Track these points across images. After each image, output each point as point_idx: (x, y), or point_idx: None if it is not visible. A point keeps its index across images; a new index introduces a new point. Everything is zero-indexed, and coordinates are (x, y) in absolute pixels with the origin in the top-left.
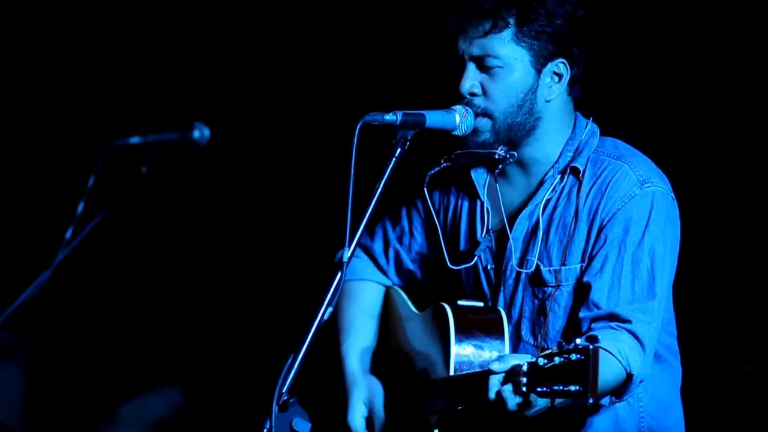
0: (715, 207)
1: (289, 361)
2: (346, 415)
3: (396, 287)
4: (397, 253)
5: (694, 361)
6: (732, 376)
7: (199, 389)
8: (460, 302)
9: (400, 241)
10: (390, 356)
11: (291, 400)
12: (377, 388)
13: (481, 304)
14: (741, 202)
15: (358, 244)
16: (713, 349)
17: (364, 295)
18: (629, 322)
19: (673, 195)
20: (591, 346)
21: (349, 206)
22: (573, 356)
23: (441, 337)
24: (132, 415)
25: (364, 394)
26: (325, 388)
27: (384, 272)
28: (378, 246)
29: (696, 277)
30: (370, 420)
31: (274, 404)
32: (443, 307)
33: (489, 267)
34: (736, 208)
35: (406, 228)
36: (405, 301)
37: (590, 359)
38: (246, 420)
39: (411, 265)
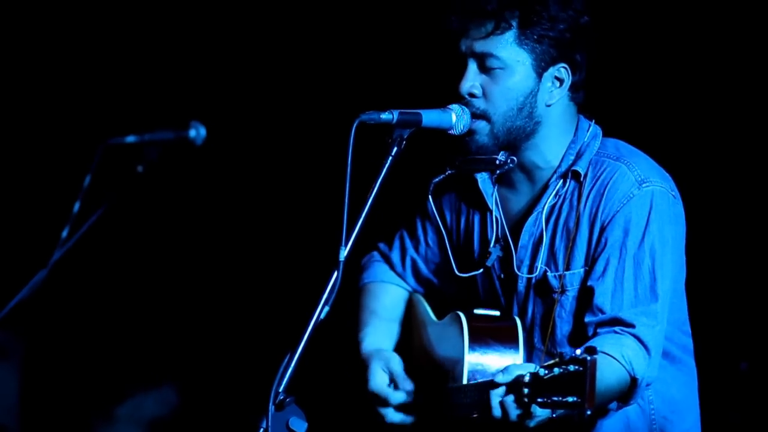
0: (713, 207)
1: (286, 360)
2: (366, 387)
3: (418, 294)
4: (414, 262)
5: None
6: (728, 374)
7: (195, 388)
8: (476, 311)
9: (416, 249)
10: (411, 362)
11: (288, 399)
12: (394, 356)
13: (497, 312)
14: (740, 202)
15: (378, 251)
16: (709, 347)
17: (385, 295)
18: (633, 326)
19: (674, 193)
20: (588, 358)
21: (346, 205)
22: (571, 367)
23: (456, 346)
24: (128, 414)
25: (381, 363)
26: (322, 388)
27: (403, 279)
28: (395, 254)
29: (692, 276)
30: (393, 382)
31: (270, 403)
32: (459, 315)
33: (502, 275)
34: (734, 208)
35: (421, 237)
36: (426, 308)
37: (587, 371)
38: (243, 419)
39: (428, 274)
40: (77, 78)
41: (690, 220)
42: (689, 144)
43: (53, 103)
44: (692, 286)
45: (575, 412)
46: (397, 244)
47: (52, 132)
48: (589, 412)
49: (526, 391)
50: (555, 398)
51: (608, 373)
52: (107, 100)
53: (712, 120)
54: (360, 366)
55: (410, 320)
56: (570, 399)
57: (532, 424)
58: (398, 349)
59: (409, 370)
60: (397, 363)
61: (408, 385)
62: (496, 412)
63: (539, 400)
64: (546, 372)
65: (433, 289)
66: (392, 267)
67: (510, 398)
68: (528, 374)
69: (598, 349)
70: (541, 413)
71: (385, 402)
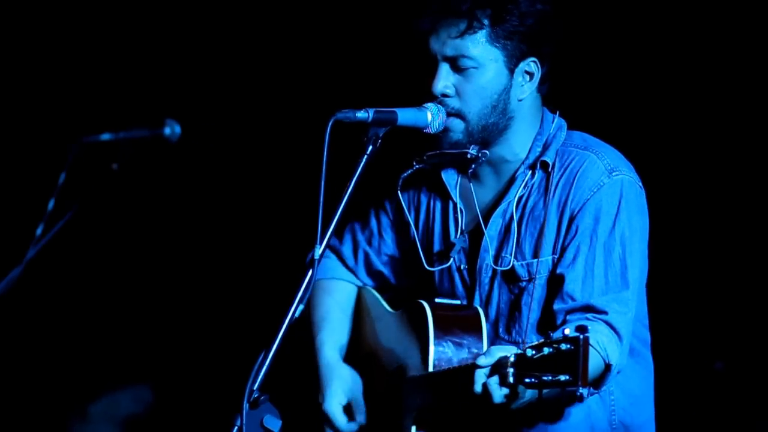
0: (683, 202)
1: (260, 358)
2: (320, 403)
3: (368, 287)
4: (366, 255)
5: (665, 359)
6: (703, 374)
7: (170, 386)
8: (437, 300)
9: (369, 242)
10: (362, 354)
11: (262, 398)
12: (356, 378)
13: (458, 302)
14: (710, 197)
15: (327, 246)
16: (684, 347)
17: (337, 291)
18: (605, 313)
19: (641, 184)
20: (581, 336)
21: (321, 204)
22: (563, 346)
23: (419, 335)
24: (103, 412)
25: (343, 384)
26: (297, 386)
27: (353, 273)
28: (347, 248)
29: (666, 274)
30: (348, 408)
31: (245, 401)
32: (421, 304)
33: (462, 267)
34: (704, 204)
35: (375, 230)
36: (378, 300)
37: (580, 348)
38: (217, 417)
39: (381, 267)
40: (52, 75)
41: (660, 214)
42: (650, 137)
43: (28, 100)
44: (667, 283)
45: (567, 391)
46: (348, 237)
47: (26, 129)
48: (582, 391)
49: (511, 371)
50: (545, 378)
51: None
52: (82, 97)
53: (673, 115)
54: (318, 376)
55: (360, 314)
56: (562, 378)
57: (516, 405)
58: (349, 343)
59: (357, 363)
60: (358, 388)
61: (362, 417)
62: (481, 395)
63: (526, 380)
64: (534, 352)
65: (385, 282)
66: (343, 261)
67: (494, 380)
68: (513, 355)
69: None
70: (527, 394)
71: (334, 428)
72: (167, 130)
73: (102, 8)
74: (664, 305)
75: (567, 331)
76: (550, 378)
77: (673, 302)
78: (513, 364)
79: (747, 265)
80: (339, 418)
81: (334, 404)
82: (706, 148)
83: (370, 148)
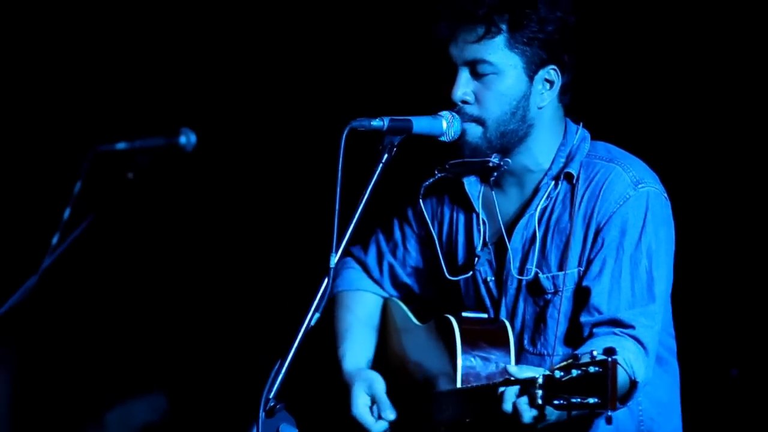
0: (702, 211)
1: (276, 366)
2: (349, 411)
3: (394, 299)
4: (391, 266)
5: (681, 366)
6: (718, 380)
7: (185, 394)
8: (464, 314)
9: (393, 254)
10: (389, 367)
11: (278, 406)
12: (377, 377)
13: (485, 315)
14: (732, 208)
15: (353, 257)
16: (700, 353)
17: (360, 304)
18: (632, 327)
19: (666, 195)
20: (609, 359)
21: (336, 212)
22: (591, 369)
23: (446, 349)
24: (118, 420)
25: (364, 385)
26: (313, 394)
27: (379, 284)
28: (371, 259)
29: (682, 281)
30: (374, 408)
31: (261, 410)
32: (448, 319)
33: (489, 279)
34: (723, 212)
35: (399, 241)
36: (405, 313)
37: (609, 371)
38: (233, 426)
39: (406, 278)
40: (67, 84)
41: (680, 223)
42: (673, 147)
43: (44, 108)
44: (682, 291)
45: (595, 413)
46: (373, 248)
47: (42, 138)
48: (609, 413)
49: (540, 393)
50: (574, 400)
51: None
52: (97, 106)
53: (693, 123)
54: (342, 386)
55: (386, 326)
56: (591, 400)
57: (542, 425)
58: (375, 356)
59: (384, 376)
60: (380, 386)
61: (390, 414)
62: (510, 414)
63: (555, 402)
64: (563, 374)
65: (411, 293)
66: (368, 272)
67: (524, 400)
68: (541, 376)
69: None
70: (555, 415)
71: (367, 430)
72: (182, 139)
73: (117, 16)
74: (680, 311)
75: (595, 353)
76: (578, 400)
77: (687, 309)
78: (542, 386)
79: (762, 272)
80: (368, 419)
81: (360, 407)
82: (730, 159)
83: (386, 156)
